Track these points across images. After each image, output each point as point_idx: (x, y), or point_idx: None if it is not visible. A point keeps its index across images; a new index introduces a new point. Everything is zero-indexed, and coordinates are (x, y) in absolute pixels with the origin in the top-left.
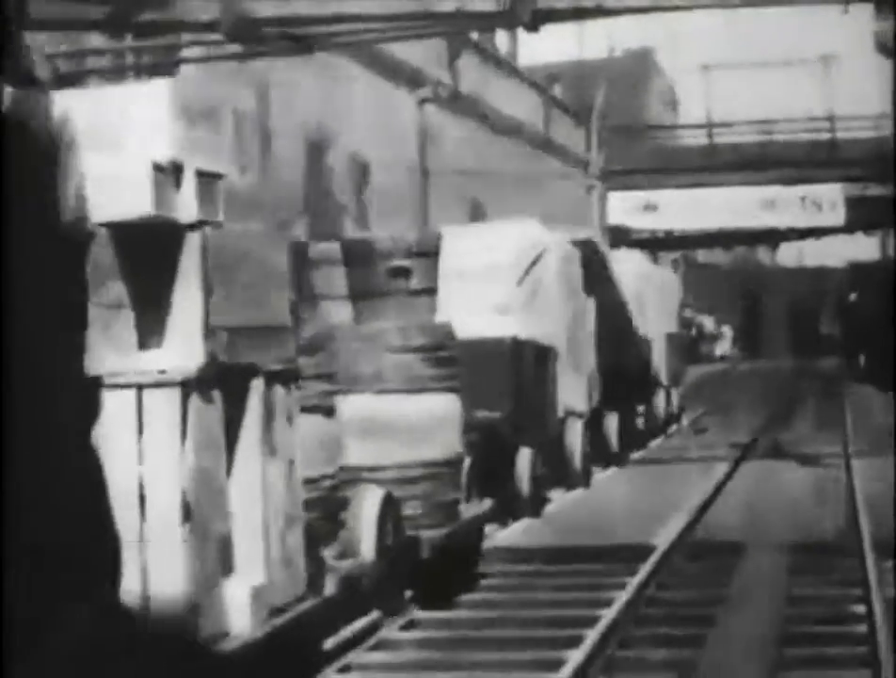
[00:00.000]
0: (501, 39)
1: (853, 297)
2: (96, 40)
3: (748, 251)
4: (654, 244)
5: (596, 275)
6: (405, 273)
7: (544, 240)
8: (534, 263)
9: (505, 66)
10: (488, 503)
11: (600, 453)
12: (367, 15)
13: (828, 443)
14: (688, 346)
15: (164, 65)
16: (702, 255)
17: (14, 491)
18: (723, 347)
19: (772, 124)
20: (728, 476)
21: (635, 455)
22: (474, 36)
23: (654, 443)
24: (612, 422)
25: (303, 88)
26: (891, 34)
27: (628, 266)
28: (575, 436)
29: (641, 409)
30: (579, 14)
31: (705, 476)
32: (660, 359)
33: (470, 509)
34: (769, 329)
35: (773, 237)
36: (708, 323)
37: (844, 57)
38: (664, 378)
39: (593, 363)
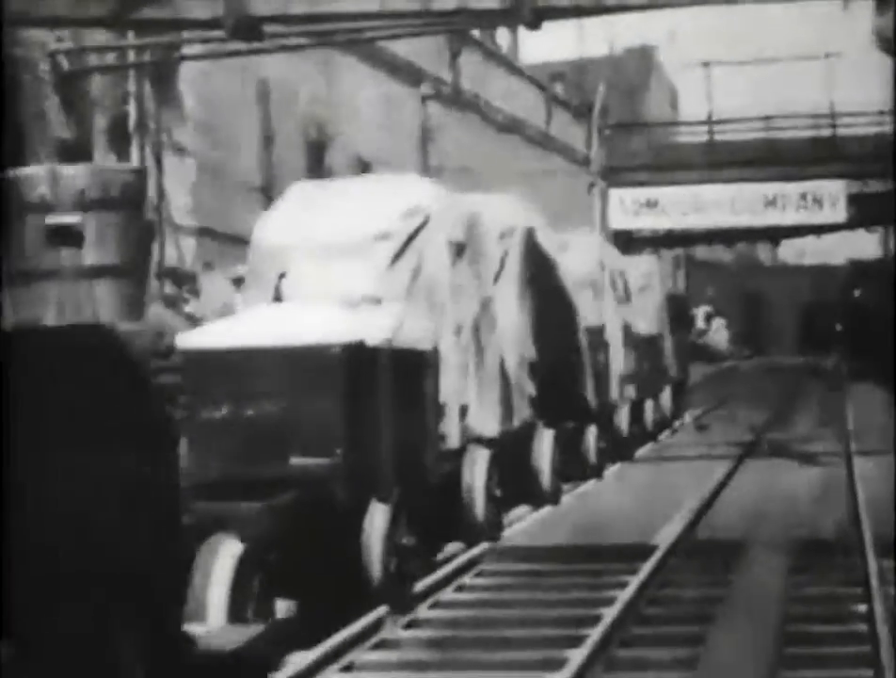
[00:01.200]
0: (502, 36)
1: (857, 293)
2: (99, 37)
3: (749, 249)
4: (655, 241)
5: (532, 258)
6: (70, 237)
7: (437, 203)
8: (414, 234)
9: (507, 64)
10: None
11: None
12: (369, 13)
13: (830, 441)
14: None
15: (165, 62)
16: (703, 252)
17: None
18: (715, 341)
19: (773, 121)
20: (729, 475)
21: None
22: (476, 33)
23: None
24: (591, 435)
25: (304, 85)
26: (892, 30)
27: (579, 255)
28: (478, 474)
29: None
30: (579, 12)
31: (704, 479)
32: (628, 365)
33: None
34: (771, 326)
35: (774, 234)
36: (699, 314)
37: (845, 54)
38: (618, 393)
39: (518, 370)
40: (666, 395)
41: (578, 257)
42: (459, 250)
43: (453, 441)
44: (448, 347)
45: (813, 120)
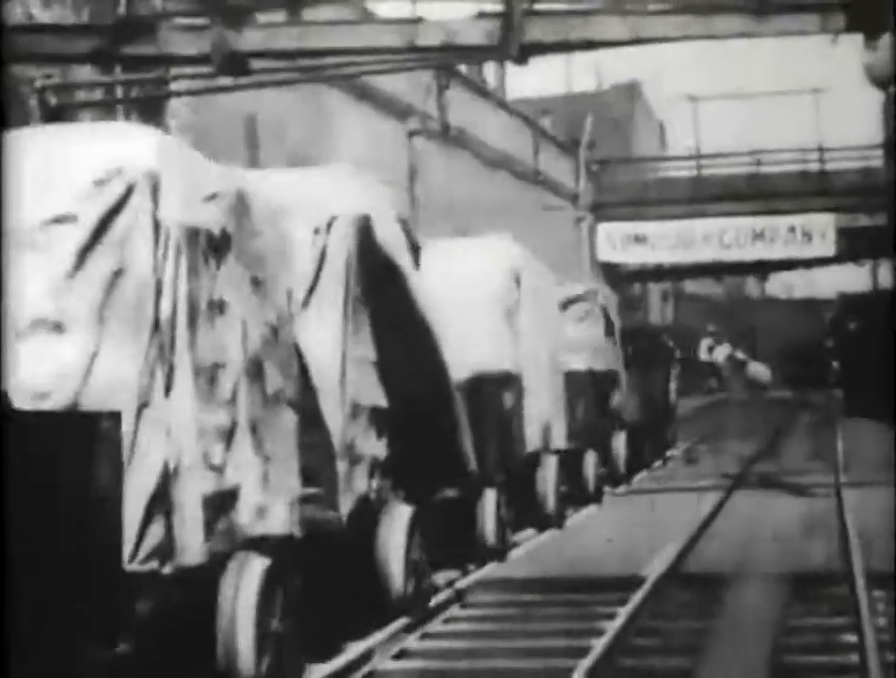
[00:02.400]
0: (489, 72)
1: (851, 325)
2: (86, 73)
3: (738, 282)
4: (643, 275)
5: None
6: None
7: (155, 162)
8: (110, 215)
9: (494, 99)
10: None
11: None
12: (356, 48)
13: (820, 474)
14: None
15: (153, 98)
16: (691, 286)
17: None
18: (759, 373)
19: (761, 155)
20: (719, 506)
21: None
22: (463, 69)
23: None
24: (488, 503)
25: (291, 120)
26: (884, 65)
27: (485, 267)
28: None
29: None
30: (566, 47)
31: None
32: (555, 408)
33: None
34: (759, 359)
35: (762, 268)
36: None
37: (833, 89)
38: (540, 443)
39: (349, 426)
40: (619, 443)
41: (482, 269)
42: (214, 244)
43: (193, 555)
44: (181, 407)
45: (801, 154)
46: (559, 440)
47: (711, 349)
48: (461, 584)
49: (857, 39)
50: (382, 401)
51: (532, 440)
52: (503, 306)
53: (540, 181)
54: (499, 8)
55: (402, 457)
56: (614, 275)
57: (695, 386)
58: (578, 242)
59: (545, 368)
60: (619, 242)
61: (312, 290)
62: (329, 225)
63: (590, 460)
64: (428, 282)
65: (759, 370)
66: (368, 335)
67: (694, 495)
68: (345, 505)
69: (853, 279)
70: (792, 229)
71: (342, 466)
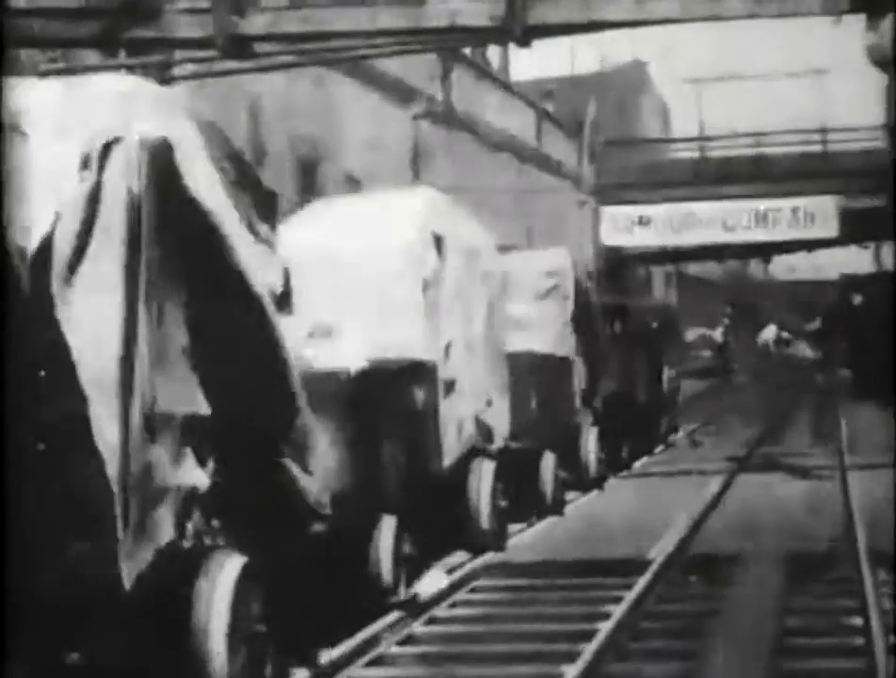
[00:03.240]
0: (493, 54)
1: (856, 300)
2: (90, 57)
3: (741, 265)
4: (646, 258)
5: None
6: None
7: None
8: None
9: (498, 81)
10: None
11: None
12: (359, 31)
13: (824, 457)
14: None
15: (157, 81)
16: (694, 269)
17: None
18: (801, 350)
19: (764, 137)
20: (725, 486)
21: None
22: (467, 51)
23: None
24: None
25: (295, 104)
26: (887, 46)
27: (395, 224)
28: None
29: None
30: (569, 29)
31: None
32: (499, 403)
33: None
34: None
35: (766, 250)
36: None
37: (836, 70)
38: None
39: (146, 448)
40: (589, 441)
41: (392, 229)
42: None
43: None
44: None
45: (804, 135)
46: (499, 438)
47: (725, 331)
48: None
49: (860, 20)
50: (201, 408)
51: (453, 446)
52: (415, 275)
53: (543, 163)
54: None
55: (230, 489)
56: (617, 258)
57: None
58: (581, 225)
59: (480, 352)
60: (623, 225)
61: (81, 249)
62: (106, 151)
63: (548, 462)
64: (323, 245)
65: (805, 349)
66: (176, 314)
67: (690, 489)
68: (132, 564)
69: (855, 261)
70: (795, 211)
71: (125, 506)
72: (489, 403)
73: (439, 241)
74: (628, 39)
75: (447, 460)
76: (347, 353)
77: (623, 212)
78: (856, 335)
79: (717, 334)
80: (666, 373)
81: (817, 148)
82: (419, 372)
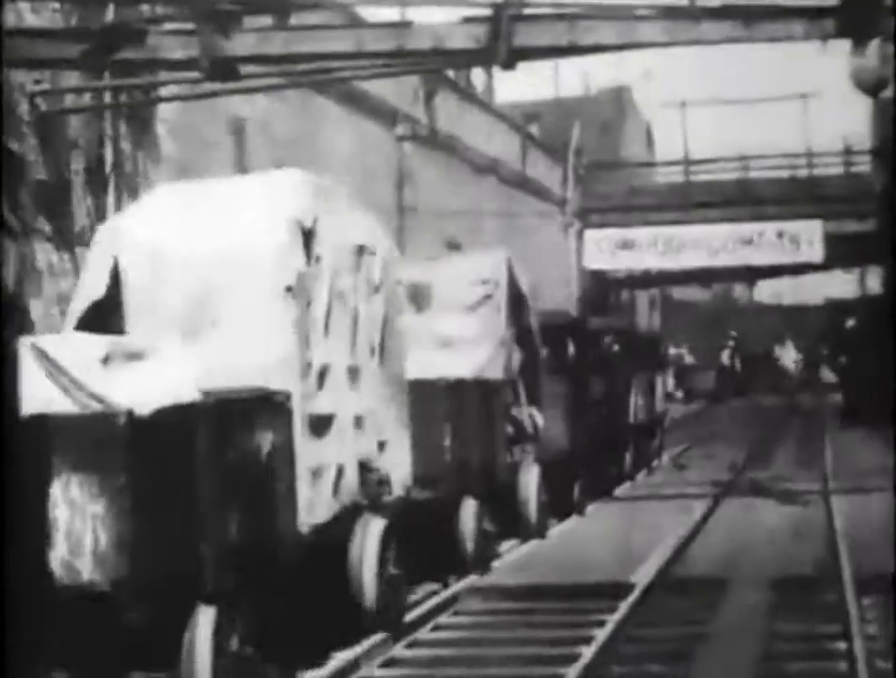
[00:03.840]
0: (477, 76)
1: (850, 323)
2: (75, 78)
3: (726, 289)
4: (631, 282)
5: None
6: None
7: None
8: None
9: (482, 104)
10: None
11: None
12: (344, 53)
13: (809, 480)
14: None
15: (142, 103)
16: (679, 293)
17: None
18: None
19: (749, 161)
20: (709, 512)
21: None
22: (451, 74)
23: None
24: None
25: (279, 125)
26: (872, 71)
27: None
28: None
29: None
30: (554, 52)
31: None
32: (398, 444)
33: None
34: (748, 367)
35: (751, 274)
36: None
37: (821, 94)
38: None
39: None
40: (528, 484)
41: (252, 222)
42: None
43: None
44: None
45: (789, 160)
46: (398, 487)
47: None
48: None
49: (845, 44)
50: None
51: (322, 502)
52: (274, 281)
53: (528, 186)
54: (487, 12)
55: None
56: (601, 282)
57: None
58: (565, 248)
59: (369, 381)
60: (607, 248)
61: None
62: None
63: (467, 512)
64: (158, 242)
65: (827, 373)
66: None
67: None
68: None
69: (840, 285)
70: (780, 235)
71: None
72: (383, 445)
73: (308, 236)
74: (613, 62)
75: (310, 522)
76: (160, 382)
77: (607, 235)
78: (847, 360)
79: (724, 357)
80: (639, 400)
81: (803, 172)
82: (266, 406)
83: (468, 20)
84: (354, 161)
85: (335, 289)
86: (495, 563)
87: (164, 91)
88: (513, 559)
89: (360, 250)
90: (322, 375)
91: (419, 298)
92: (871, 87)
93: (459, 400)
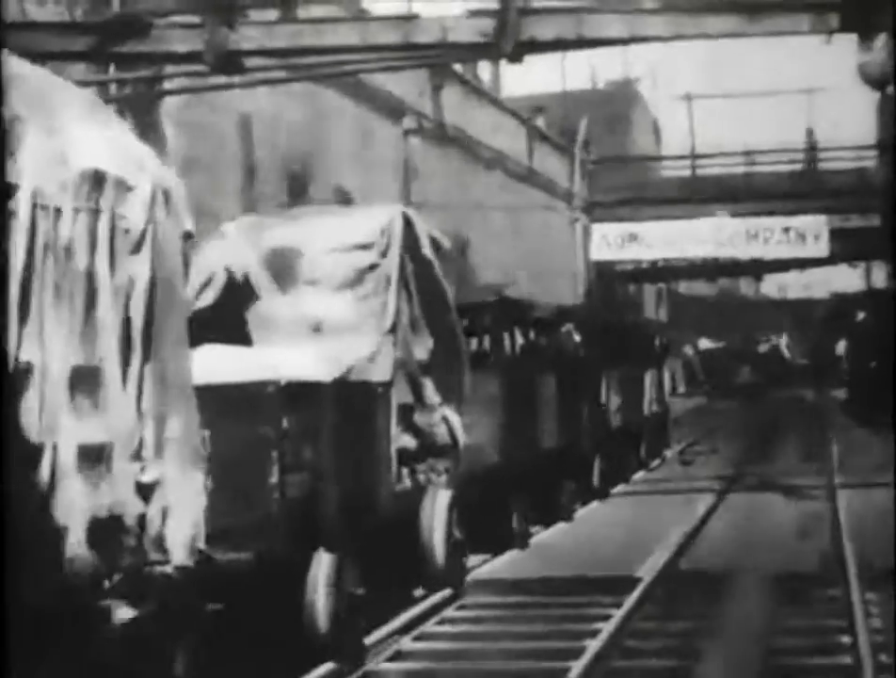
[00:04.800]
0: (484, 70)
1: (861, 316)
2: (79, 71)
3: (732, 283)
4: (637, 276)
5: None
6: None
7: None
8: None
9: (489, 97)
10: None
11: None
12: (350, 46)
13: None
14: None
15: (147, 96)
16: (685, 287)
17: None
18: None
19: (755, 155)
20: (714, 507)
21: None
22: (458, 67)
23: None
24: None
25: (286, 119)
26: (878, 65)
27: None
28: None
29: None
30: (560, 45)
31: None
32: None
33: None
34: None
35: (757, 269)
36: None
37: (827, 89)
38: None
39: None
40: (434, 522)
41: None
42: None
43: None
44: None
45: (796, 154)
46: (181, 552)
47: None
48: None
49: (851, 38)
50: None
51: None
52: None
53: (535, 180)
54: (494, 5)
55: None
56: (608, 276)
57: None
58: (572, 242)
59: (118, 390)
60: (614, 242)
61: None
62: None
63: (317, 575)
64: None
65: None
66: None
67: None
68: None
69: (846, 280)
70: (786, 229)
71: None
72: (147, 490)
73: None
74: (619, 56)
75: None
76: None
77: (614, 229)
78: (854, 354)
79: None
80: (615, 401)
81: (808, 166)
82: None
83: (474, 13)
84: (360, 155)
85: (48, 240)
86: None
87: (169, 85)
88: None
89: (101, 181)
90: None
91: (280, 268)
92: (877, 81)
93: (307, 412)
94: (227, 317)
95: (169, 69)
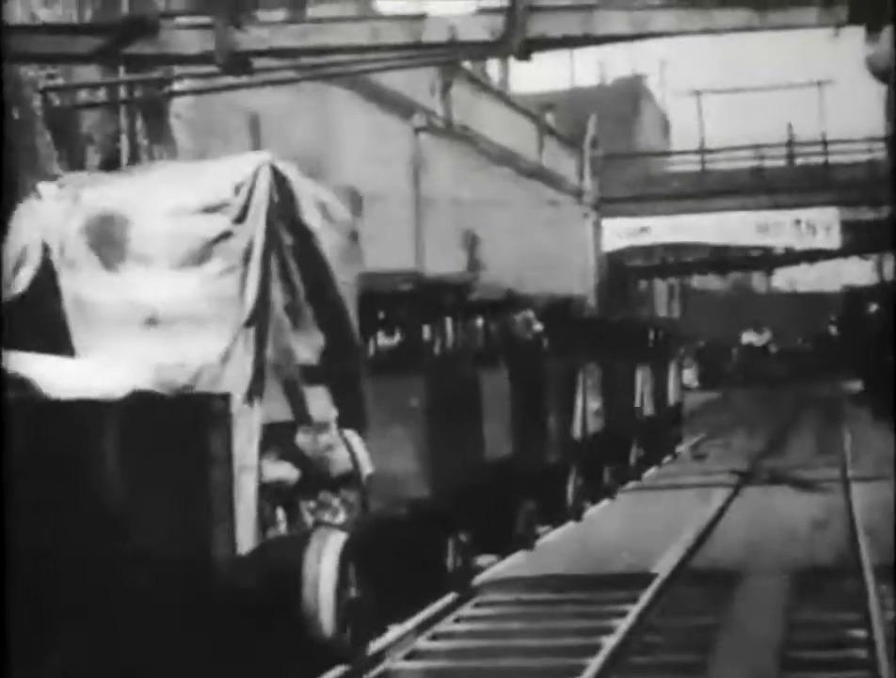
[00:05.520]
0: (493, 67)
1: (873, 307)
2: (89, 73)
3: (743, 277)
4: (649, 271)
5: None
6: None
7: None
8: None
9: (498, 95)
10: None
11: None
12: (360, 45)
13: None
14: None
15: (157, 97)
16: (697, 282)
17: None
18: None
19: (764, 149)
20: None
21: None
22: (467, 65)
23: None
24: None
25: (295, 118)
26: (887, 58)
27: None
28: None
29: None
30: (568, 43)
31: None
32: None
33: None
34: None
35: (768, 262)
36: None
37: (836, 82)
38: None
39: None
40: (319, 575)
41: None
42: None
43: None
44: None
45: (805, 147)
46: None
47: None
48: None
49: (860, 31)
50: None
51: None
52: None
53: (544, 177)
54: (502, 3)
55: None
56: (619, 271)
57: None
58: (583, 238)
59: None
60: (625, 237)
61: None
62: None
63: None
64: None
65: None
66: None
67: None
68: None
69: (857, 273)
70: (797, 222)
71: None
72: None
73: None
74: (628, 51)
75: None
76: None
77: (624, 225)
78: (868, 346)
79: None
80: (591, 405)
81: (818, 159)
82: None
83: (483, 11)
84: (370, 153)
85: None
86: None
87: (179, 86)
88: None
89: None
90: None
91: (103, 241)
92: (884, 73)
93: (121, 439)
94: (45, 306)
95: (179, 70)
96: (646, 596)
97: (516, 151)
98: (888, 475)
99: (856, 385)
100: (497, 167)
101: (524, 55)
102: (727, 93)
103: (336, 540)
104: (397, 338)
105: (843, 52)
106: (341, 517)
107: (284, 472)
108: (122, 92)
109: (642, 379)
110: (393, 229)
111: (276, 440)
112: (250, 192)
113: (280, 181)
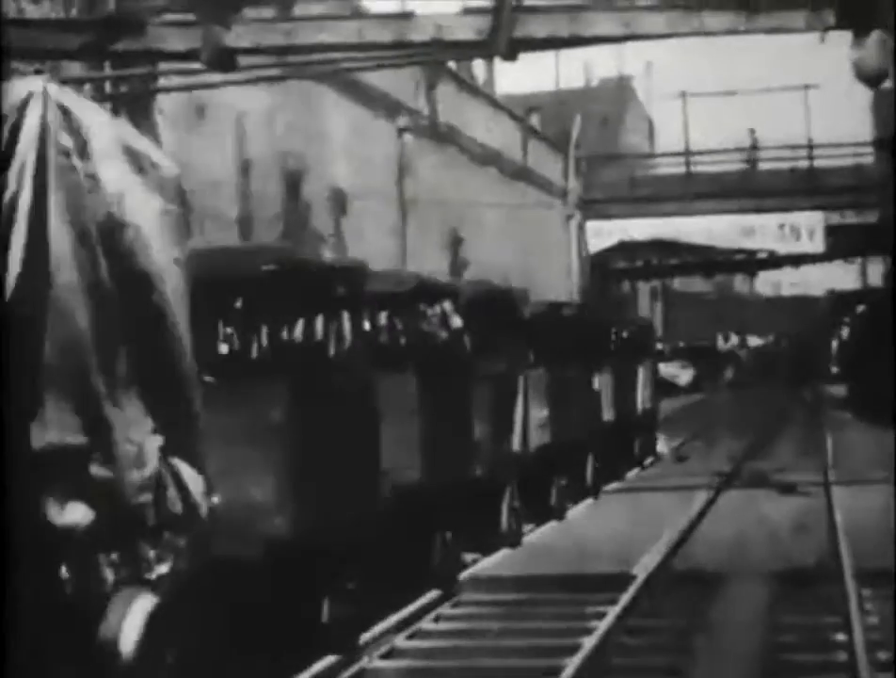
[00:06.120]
0: (478, 68)
1: (861, 309)
2: (75, 69)
3: (727, 280)
4: (632, 273)
5: None
6: None
7: None
8: None
9: (483, 95)
10: None
11: None
12: (345, 44)
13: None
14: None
15: (142, 93)
16: (680, 284)
17: None
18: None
19: (750, 152)
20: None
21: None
22: (452, 65)
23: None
24: None
25: (280, 117)
26: (873, 62)
27: None
28: None
29: None
30: (555, 43)
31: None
32: None
33: None
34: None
35: (752, 266)
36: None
37: (822, 86)
38: None
39: None
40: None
41: None
42: None
43: None
44: None
45: (791, 151)
46: None
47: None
48: None
49: (847, 35)
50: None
51: None
52: None
53: (529, 178)
54: (488, 3)
55: None
56: (603, 273)
57: None
58: (567, 239)
59: None
60: (608, 239)
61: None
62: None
63: None
64: None
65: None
66: None
67: None
68: None
69: (841, 276)
70: (781, 226)
71: None
72: None
73: None
74: (614, 53)
75: None
76: None
77: (609, 227)
78: (854, 351)
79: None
80: (536, 414)
81: (804, 163)
82: None
83: (469, 11)
84: (355, 152)
85: None
86: None
87: (164, 82)
88: None
89: None
90: None
91: None
92: (871, 77)
93: None
94: None
95: (164, 66)
96: None
97: (501, 151)
98: (875, 478)
99: (840, 389)
100: (482, 167)
101: (511, 55)
102: (713, 96)
103: (142, 605)
104: (258, 335)
105: (831, 56)
106: (162, 569)
107: (75, 516)
108: (108, 88)
109: (602, 383)
110: (378, 228)
111: (65, 472)
112: (17, 126)
113: (63, 112)
